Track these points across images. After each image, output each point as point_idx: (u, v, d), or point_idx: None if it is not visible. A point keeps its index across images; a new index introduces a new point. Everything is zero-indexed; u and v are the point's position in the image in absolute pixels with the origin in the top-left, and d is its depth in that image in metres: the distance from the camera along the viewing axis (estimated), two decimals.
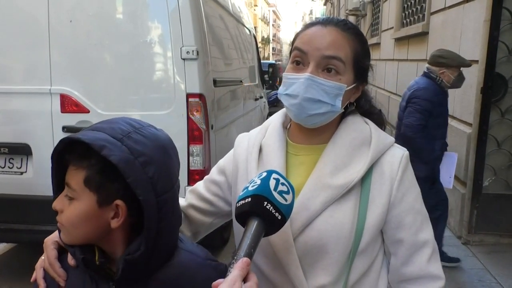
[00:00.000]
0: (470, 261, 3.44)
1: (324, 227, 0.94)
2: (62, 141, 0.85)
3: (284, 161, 1.02)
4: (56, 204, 0.86)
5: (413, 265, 0.99)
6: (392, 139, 1.04)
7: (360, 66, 1.00)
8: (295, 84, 0.95)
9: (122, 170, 0.80)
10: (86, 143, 0.80)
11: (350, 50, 0.97)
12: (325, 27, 0.98)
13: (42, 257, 0.94)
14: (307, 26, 1.02)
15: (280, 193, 0.82)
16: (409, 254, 0.99)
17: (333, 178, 0.96)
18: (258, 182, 0.83)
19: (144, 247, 0.85)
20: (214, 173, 1.16)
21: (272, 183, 0.83)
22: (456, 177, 3.97)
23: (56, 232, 0.94)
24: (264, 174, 0.85)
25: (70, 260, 0.90)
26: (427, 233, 1.00)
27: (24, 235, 3.02)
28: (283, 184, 0.84)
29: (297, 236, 0.95)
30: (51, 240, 0.95)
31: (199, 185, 1.17)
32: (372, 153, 0.98)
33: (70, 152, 0.85)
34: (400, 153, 1.01)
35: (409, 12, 6.20)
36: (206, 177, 1.18)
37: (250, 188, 0.83)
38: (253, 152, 1.06)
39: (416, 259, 0.99)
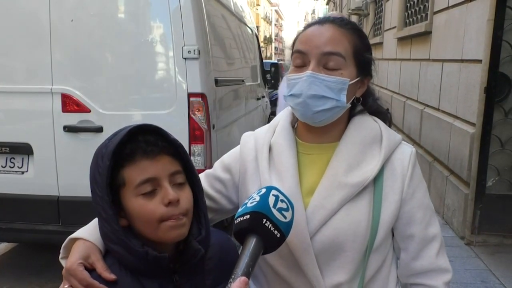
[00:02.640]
0: (473, 262, 3.41)
1: (340, 226, 0.95)
2: (129, 131, 0.87)
3: (296, 160, 1.02)
4: (175, 195, 0.85)
5: (423, 259, 1.02)
6: (400, 137, 1.06)
7: (362, 60, 1.01)
8: (298, 83, 0.96)
9: (186, 154, 0.92)
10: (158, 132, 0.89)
11: (349, 44, 0.98)
12: (322, 25, 1.00)
13: (66, 286, 0.85)
14: (305, 28, 1.04)
15: (280, 210, 0.81)
16: (419, 249, 1.02)
17: (348, 177, 0.97)
18: (257, 198, 0.82)
19: (205, 226, 0.93)
20: (218, 170, 1.15)
21: (271, 200, 0.82)
22: (459, 177, 3.95)
23: (75, 256, 0.87)
24: (263, 190, 0.84)
25: (108, 274, 0.85)
26: (435, 227, 1.04)
27: (25, 235, 3.01)
28: (282, 201, 0.83)
29: (314, 235, 0.96)
30: (74, 264, 0.85)
31: (201, 180, 1.16)
32: (385, 151, 0.99)
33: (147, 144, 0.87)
34: (408, 150, 1.04)
35: (412, 12, 6.17)
36: (208, 172, 1.16)
37: (249, 205, 0.82)
38: (263, 151, 1.06)
39: (426, 253, 1.02)
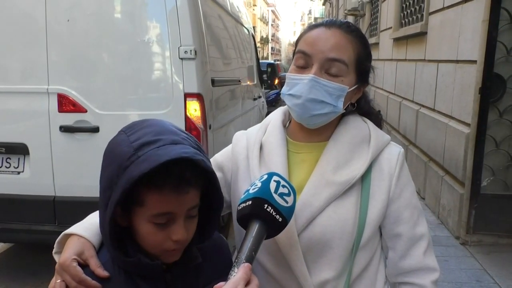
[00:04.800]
0: (468, 262, 3.44)
1: (328, 223, 0.97)
2: (162, 163, 0.76)
3: (286, 159, 1.04)
4: (185, 235, 0.83)
5: (410, 258, 1.03)
6: (389, 137, 1.07)
7: (362, 68, 1.03)
8: (298, 84, 0.97)
9: (214, 179, 0.87)
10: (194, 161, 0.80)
11: (353, 52, 0.99)
12: (329, 29, 1.00)
13: (58, 280, 0.84)
14: (311, 28, 1.04)
15: (281, 195, 0.83)
16: (407, 248, 1.03)
17: (336, 175, 0.98)
18: (259, 184, 0.84)
19: (213, 231, 0.93)
20: None
21: (272, 185, 0.83)
22: (454, 177, 3.97)
23: (68, 251, 0.86)
24: (265, 176, 0.86)
25: (102, 271, 0.85)
26: (423, 226, 1.05)
27: (21, 235, 3.01)
28: (284, 186, 0.85)
29: (301, 232, 0.97)
30: (68, 260, 0.85)
31: None
32: (372, 150, 1.01)
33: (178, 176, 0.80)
34: (396, 150, 1.05)
35: (407, 12, 6.20)
36: None
37: (251, 191, 0.84)
38: (254, 149, 1.07)
39: (413, 252, 1.03)
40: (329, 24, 1.01)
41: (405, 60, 6.13)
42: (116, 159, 0.81)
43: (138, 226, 0.85)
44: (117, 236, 0.85)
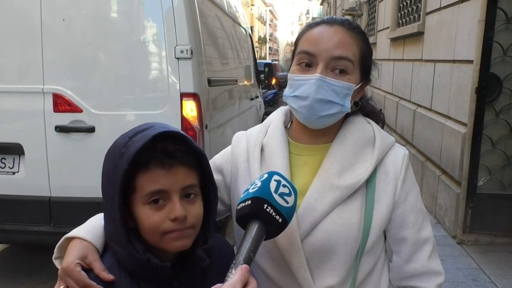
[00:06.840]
0: (464, 261, 3.44)
1: (332, 228, 0.94)
2: (154, 136, 0.82)
3: (288, 161, 1.01)
4: (182, 212, 0.82)
5: (415, 262, 1.01)
6: (393, 139, 1.05)
7: (366, 65, 1.00)
8: (304, 85, 0.94)
9: (205, 160, 0.90)
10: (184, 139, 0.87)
11: (357, 49, 0.97)
12: (331, 26, 0.97)
13: (62, 286, 0.82)
14: (311, 26, 1.00)
15: (281, 195, 0.81)
16: (412, 252, 1.01)
17: (340, 179, 0.95)
18: (259, 184, 0.82)
19: (213, 232, 0.93)
20: None
21: (272, 185, 0.81)
22: (451, 177, 3.98)
23: (71, 255, 0.84)
24: (265, 176, 0.84)
25: (106, 275, 0.83)
26: (428, 230, 1.03)
27: (16, 236, 2.99)
28: (284, 186, 0.83)
29: (304, 238, 0.95)
30: (71, 264, 0.82)
31: None
32: (377, 153, 0.98)
33: (172, 154, 0.84)
34: (401, 152, 1.02)
35: (405, 12, 6.20)
36: None
37: (250, 191, 0.82)
38: (255, 152, 1.04)
39: (418, 256, 1.01)
40: (330, 21, 0.98)
41: (402, 60, 6.14)
42: (113, 152, 0.85)
43: (137, 216, 0.84)
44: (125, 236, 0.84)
